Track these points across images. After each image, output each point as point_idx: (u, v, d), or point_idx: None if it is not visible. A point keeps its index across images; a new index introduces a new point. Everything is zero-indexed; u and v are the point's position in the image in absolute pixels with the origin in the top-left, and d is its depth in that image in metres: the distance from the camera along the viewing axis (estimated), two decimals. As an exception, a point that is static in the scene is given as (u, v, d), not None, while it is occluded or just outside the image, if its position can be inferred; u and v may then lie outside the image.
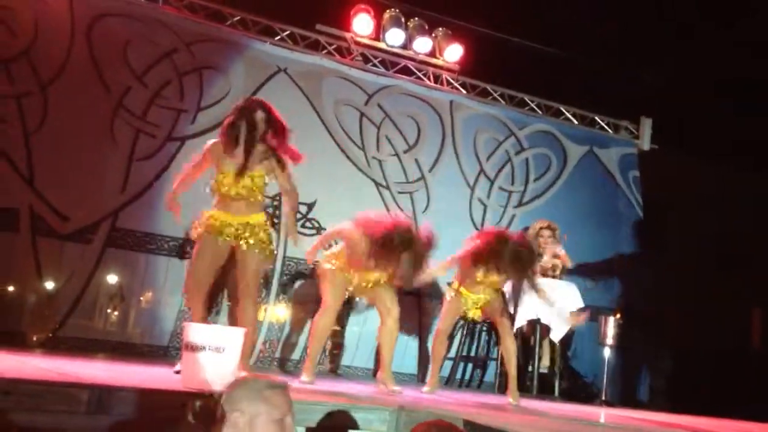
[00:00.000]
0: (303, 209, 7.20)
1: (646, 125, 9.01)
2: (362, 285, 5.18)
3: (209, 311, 6.21)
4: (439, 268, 5.58)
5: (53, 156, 6.23)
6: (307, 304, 6.99)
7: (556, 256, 7.24)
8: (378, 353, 5.35)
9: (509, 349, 5.52)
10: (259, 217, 4.81)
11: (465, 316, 5.80)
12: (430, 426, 2.04)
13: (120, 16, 6.76)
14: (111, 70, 6.61)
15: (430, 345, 7.18)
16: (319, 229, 7.16)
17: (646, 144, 9.00)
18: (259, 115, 4.76)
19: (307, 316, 6.97)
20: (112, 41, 6.67)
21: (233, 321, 5.10)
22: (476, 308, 5.53)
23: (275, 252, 5.06)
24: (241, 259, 4.75)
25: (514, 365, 5.52)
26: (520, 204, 8.40)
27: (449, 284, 5.73)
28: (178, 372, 4.49)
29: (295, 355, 6.94)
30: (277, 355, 6.92)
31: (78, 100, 6.40)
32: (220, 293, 6.39)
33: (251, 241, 4.71)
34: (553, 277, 7.15)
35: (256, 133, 4.73)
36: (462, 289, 5.54)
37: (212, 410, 2.55)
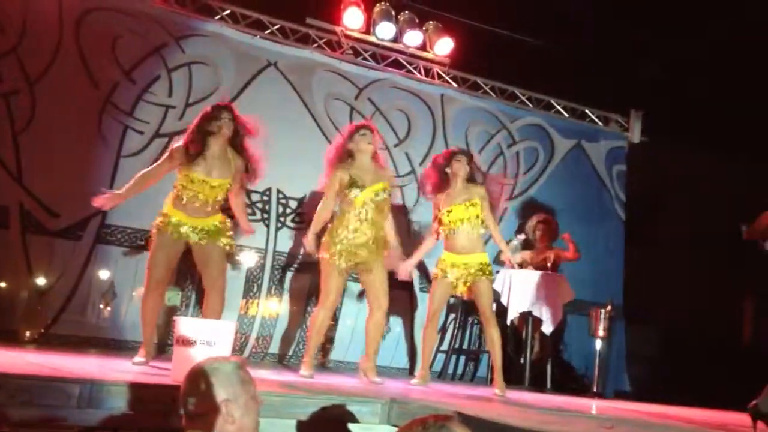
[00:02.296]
0: (293, 204, 7.20)
1: (637, 118, 9.03)
2: (358, 254, 5.18)
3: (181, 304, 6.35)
4: (426, 241, 5.83)
5: (42, 153, 6.20)
6: (300, 298, 7.00)
7: (556, 263, 7.26)
8: (365, 343, 5.37)
9: (494, 340, 5.52)
10: (216, 218, 4.92)
11: (454, 293, 5.81)
12: (427, 418, 2.04)
13: (108, 11, 6.71)
14: (99, 65, 6.57)
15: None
16: (309, 224, 7.13)
17: (636, 137, 9.00)
18: (226, 117, 4.82)
19: (300, 310, 6.98)
20: (100, 36, 6.62)
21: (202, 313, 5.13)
22: (462, 283, 5.54)
23: (233, 240, 5.06)
24: (200, 255, 4.86)
25: (500, 356, 5.52)
26: (511, 197, 8.41)
27: (436, 265, 5.72)
28: (135, 363, 4.62)
29: (290, 351, 6.94)
30: (271, 350, 6.91)
31: (66, 96, 6.36)
32: (190, 286, 6.40)
33: (205, 237, 4.78)
34: (545, 269, 7.18)
35: (221, 138, 4.81)
36: (445, 254, 5.59)
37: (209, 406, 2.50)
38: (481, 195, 5.61)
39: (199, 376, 2.51)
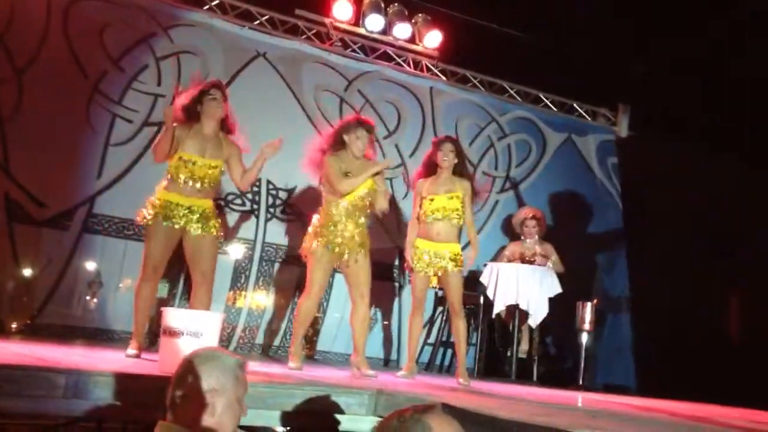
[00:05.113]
0: (283, 195, 7.19)
1: (624, 112, 9.06)
2: (344, 245, 5.15)
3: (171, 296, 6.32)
4: (411, 227, 5.77)
5: (29, 142, 6.15)
6: (288, 290, 7.00)
7: (544, 258, 7.27)
8: (353, 338, 5.35)
9: (460, 330, 5.56)
10: (209, 203, 4.88)
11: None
12: (405, 410, 2.01)
13: (96, 0, 6.69)
14: (87, 54, 6.53)
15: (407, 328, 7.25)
16: (299, 215, 7.15)
17: (623, 131, 9.05)
18: (219, 97, 4.83)
19: (288, 302, 6.98)
20: (88, 25, 6.59)
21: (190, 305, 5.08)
22: (434, 274, 5.55)
23: (222, 236, 5.08)
24: (192, 245, 4.81)
25: (465, 348, 5.62)
26: (502, 190, 8.43)
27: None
28: (128, 356, 4.57)
29: (276, 341, 6.94)
30: (258, 341, 6.91)
31: (53, 85, 6.32)
32: (178, 276, 6.38)
33: (201, 228, 4.75)
34: (532, 263, 7.20)
35: (214, 119, 4.82)
36: (418, 241, 5.57)
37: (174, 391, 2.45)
38: (465, 188, 5.60)
39: (192, 362, 2.41)
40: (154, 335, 5.43)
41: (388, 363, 7.26)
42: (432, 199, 5.55)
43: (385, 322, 7.42)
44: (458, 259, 5.51)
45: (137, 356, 4.60)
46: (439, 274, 5.54)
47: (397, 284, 7.52)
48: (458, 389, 5.12)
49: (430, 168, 5.69)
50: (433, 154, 5.67)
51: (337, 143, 5.28)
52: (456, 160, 5.61)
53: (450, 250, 5.51)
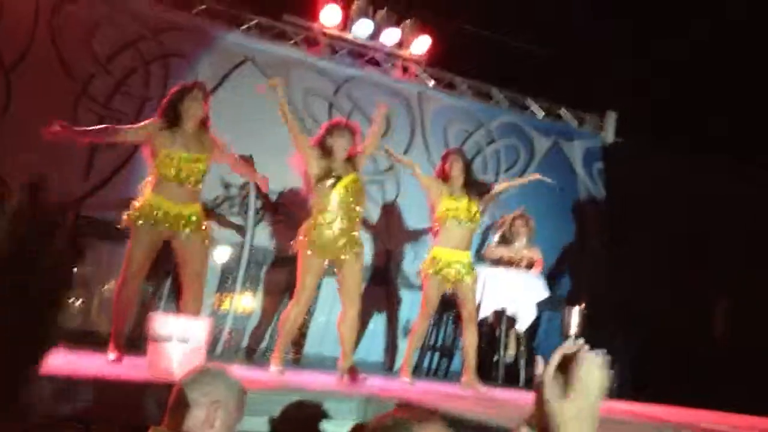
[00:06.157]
0: (273, 197, 7.17)
1: (611, 118, 9.10)
2: (333, 242, 5.12)
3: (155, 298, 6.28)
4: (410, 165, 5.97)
5: (16, 143, 6.11)
6: (275, 293, 6.97)
7: (531, 262, 7.28)
8: (340, 343, 5.32)
9: (473, 338, 5.55)
10: (196, 207, 4.84)
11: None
12: (401, 414, 1.98)
13: (85, 2, 6.67)
14: (75, 56, 6.52)
15: (398, 334, 7.23)
16: (288, 218, 7.13)
17: (610, 137, 9.09)
18: (200, 96, 4.83)
19: (275, 306, 6.95)
20: (76, 27, 6.57)
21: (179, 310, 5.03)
22: (452, 281, 5.55)
23: (212, 240, 5.03)
24: (182, 249, 4.76)
25: (474, 355, 5.55)
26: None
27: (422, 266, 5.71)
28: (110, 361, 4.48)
29: (262, 345, 6.91)
30: (243, 345, 6.88)
31: (41, 86, 6.29)
32: (164, 280, 6.34)
33: (190, 231, 4.71)
34: (519, 267, 7.20)
35: (195, 117, 4.82)
36: (440, 250, 5.57)
37: (178, 397, 2.47)
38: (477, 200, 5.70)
39: (201, 373, 2.48)
40: (135, 339, 5.37)
41: (392, 368, 7.23)
42: (455, 198, 5.58)
43: (371, 326, 7.40)
44: (472, 267, 5.63)
45: (117, 360, 4.50)
46: (456, 281, 5.56)
47: (386, 288, 7.50)
48: (451, 394, 5.10)
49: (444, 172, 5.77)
50: (441, 166, 5.76)
51: (323, 150, 5.25)
52: (462, 172, 5.68)
53: (467, 259, 5.58)
